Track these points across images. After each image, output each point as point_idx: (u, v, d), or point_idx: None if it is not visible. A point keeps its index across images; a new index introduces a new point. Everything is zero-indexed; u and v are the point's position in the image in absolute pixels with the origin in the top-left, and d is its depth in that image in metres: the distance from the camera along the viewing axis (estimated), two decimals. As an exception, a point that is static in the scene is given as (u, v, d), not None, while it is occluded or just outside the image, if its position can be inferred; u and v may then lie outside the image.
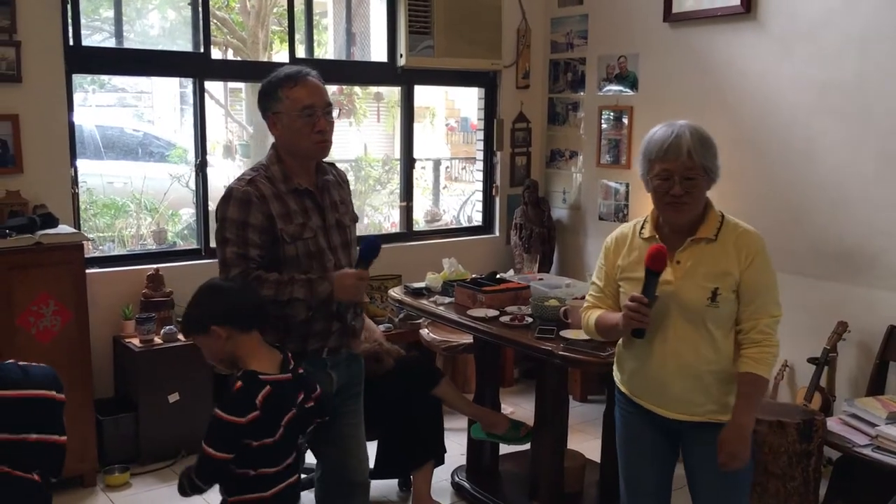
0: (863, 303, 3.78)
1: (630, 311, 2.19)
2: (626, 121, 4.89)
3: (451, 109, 8.64)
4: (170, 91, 7.15)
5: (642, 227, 2.36)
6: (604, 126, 5.04)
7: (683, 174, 2.19)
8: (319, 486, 2.72)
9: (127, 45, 4.84)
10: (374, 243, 2.44)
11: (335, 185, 2.57)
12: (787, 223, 4.08)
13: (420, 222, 5.83)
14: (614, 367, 2.52)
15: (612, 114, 4.98)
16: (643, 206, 4.79)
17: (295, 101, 2.37)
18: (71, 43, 3.95)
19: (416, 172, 5.55)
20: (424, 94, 7.16)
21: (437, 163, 7.52)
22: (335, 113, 2.47)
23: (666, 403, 2.33)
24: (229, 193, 2.39)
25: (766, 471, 3.38)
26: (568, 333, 3.03)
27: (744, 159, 4.24)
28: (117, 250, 4.86)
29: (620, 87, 4.92)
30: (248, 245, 2.33)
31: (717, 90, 4.36)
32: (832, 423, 3.41)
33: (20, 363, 1.95)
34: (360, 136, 7.73)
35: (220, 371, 2.42)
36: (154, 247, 4.75)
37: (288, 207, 2.39)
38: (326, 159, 2.57)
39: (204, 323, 2.24)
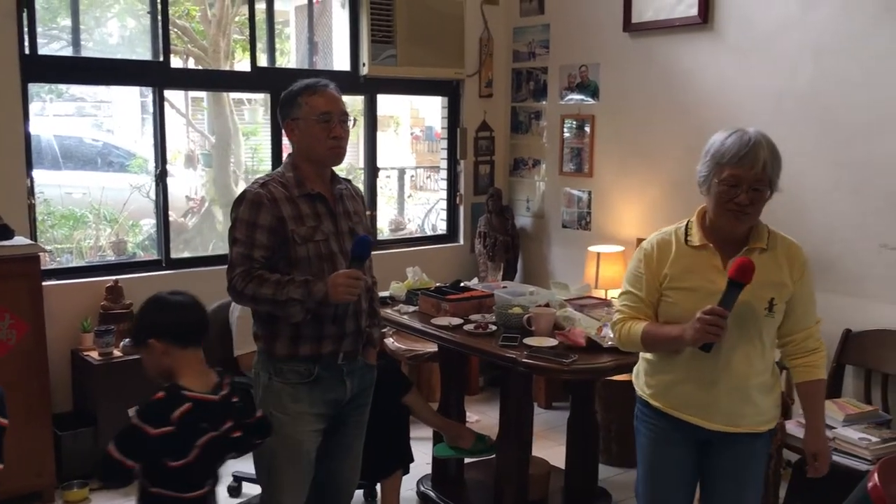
0: (820, 307, 3.82)
1: (707, 325, 2.09)
2: (587, 129, 4.94)
3: (415, 118, 8.64)
4: (130, 100, 7.06)
5: (687, 235, 2.30)
6: (566, 135, 5.08)
7: (752, 184, 2.17)
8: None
9: (85, 53, 4.78)
10: (365, 241, 2.46)
11: (349, 196, 2.64)
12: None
13: (384, 231, 5.82)
14: (639, 380, 2.44)
15: (574, 122, 5.03)
16: (606, 213, 4.83)
17: (313, 108, 2.48)
18: (27, 51, 3.89)
19: (381, 181, 5.55)
20: (389, 103, 7.16)
21: (401, 171, 7.51)
22: (351, 122, 2.55)
23: (711, 416, 2.27)
24: (242, 196, 2.47)
25: (727, 474, 3.42)
26: (531, 341, 3.04)
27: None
28: (75, 262, 4.79)
29: (582, 96, 4.97)
30: (254, 246, 2.41)
31: (676, 99, 4.42)
32: (791, 426, 3.47)
33: None
34: (323, 145, 7.68)
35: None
36: (113, 258, 4.69)
37: (300, 210, 2.46)
38: (341, 173, 2.67)
39: (143, 335, 2.24)
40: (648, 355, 2.39)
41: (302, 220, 2.46)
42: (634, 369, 2.51)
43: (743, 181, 2.16)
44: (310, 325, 2.45)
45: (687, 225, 2.33)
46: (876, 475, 1.48)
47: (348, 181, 2.71)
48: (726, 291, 2.11)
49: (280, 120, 2.58)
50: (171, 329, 2.22)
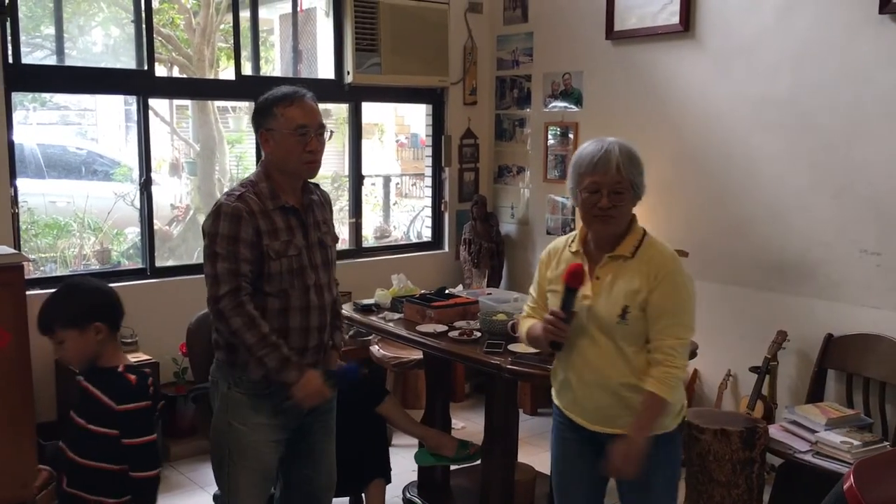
0: (801, 312, 3.89)
1: (547, 325, 2.26)
2: (571, 136, 4.97)
3: (401, 126, 8.65)
4: (114, 109, 7.04)
5: (572, 241, 2.42)
6: (550, 142, 5.11)
7: (611, 188, 2.25)
8: (283, 500, 2.71)
9: (69, 62, 4.76)
10: (354, 372, 2.52)
11: (318, 204, 2.60)
12: (728, 235, 4.18)
13: (370, 238, 5.82)
14: (551, 379, 2.55)
15: (558, 130, 5.06)
16: (589, 220, 4.86)
17: (289, 120, 2.41)
18: (10, 60, 3.88)
19: (367, 189, 5.56)
20: (374, 111, 7.17)
21: (387, 179, 7.52)
22: (327, 135, 2.51)
23: (587, 415, 2.37)
24: (218, 209, 2.40)
25: (710, 479, 3.45)
26: (516, 347, 3.05)
27: (685, 173, 4.34)
28: (59, 271, 4.76)
29: (566, 104, 5.00)
30: (239, 260, 2.35)
31: (658, 106, 4.46)
32: (774, 431, 3.50)
33: None
34: (308, 153, 7.68)
35: (78, 377, 2.40)
36: (98, 267, 4.67)
37: (274, 224, 2.42)
38: (326, 181, 2.62)
39: (86, 318, 2.29)
40: (557, 358, 2.48)
41: (276, 234, 2.41)
42: None
43: (602, 186, 2.25)
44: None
45: (577, 233, 2.44)
46: (851, 477, 1.50)
47: (317, 186, 2.66)
48: (563, 295, 2.27)
49: (254, 128, 2.51)
50: (114, 313, 2.37)
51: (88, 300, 2.34)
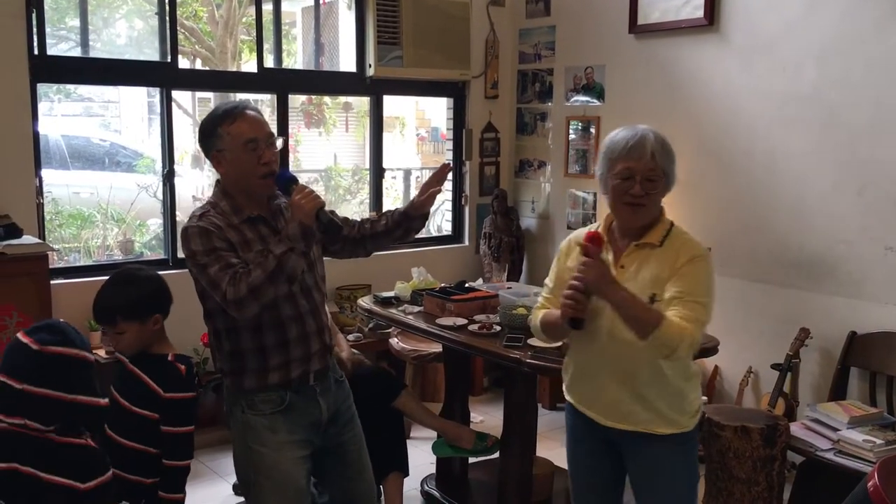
0: (824, 310, 3.85)
1: (566, 299, 2.15)
2: (593, 131, 4.95)
3: (421, 119, 8.66)
4: (138, 101, 7.11)
5: (596, 230, 2.36)
6: (571, 136, 5.09)
7: (645, 174, 2.19)
8: None
9: (93, 54, 4.81)
10: (284, 176, 2.35)
11: (287, 206, 2.45)
12: (750, 232, 4.15)
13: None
14: (563, 374, 2.51)
15: (579, 124, 5.04)
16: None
17: (237, 137, 2.32)
18: (36, 52, 3.92)
19: (387, 182, 5.57)
20: (395, 104, 7.18)
21: (407, 172, 7.54)
22: (279, 142, 2.43)
23: (603, 410, 2.31)
24: (185, 232, 2.31)
25: (730, 476, 3.43)
26: (536, 341, 3.04)
27: (707, 168, 4.31)
28: (83, 261, 4.82)
29: (587, 98, 4.97)
30: (226, 258, 2.26)
31: (681, 101, 4.43)
32: (795, 428, 3.47)
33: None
34: (329, 145, 7.72)
35: (123, 359, 2.45)
36: (121, 257, 4.71)
37: (245, 236, 2.34)
38: (291, 168, 2.57)
39: (148, 310, 2.38)
40: (570, 353, 2.45)
41: (248, 245, 2.32)
42: None
43: (635, 172, 2.19)
44: (276, 352, 2.36)
45: (599, 223, 2.40)
46: (875, 475, 1.49)
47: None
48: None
49: (204, 153, 2.42)
50: (168, 302, 2.45)
51: (148, 291, 2.41)
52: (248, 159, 2.33)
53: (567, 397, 2.46)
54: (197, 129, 2.48)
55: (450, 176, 5.52)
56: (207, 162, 2.48)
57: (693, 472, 2.38)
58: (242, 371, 2.37)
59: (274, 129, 4.66)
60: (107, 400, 2.03)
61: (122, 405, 2.35)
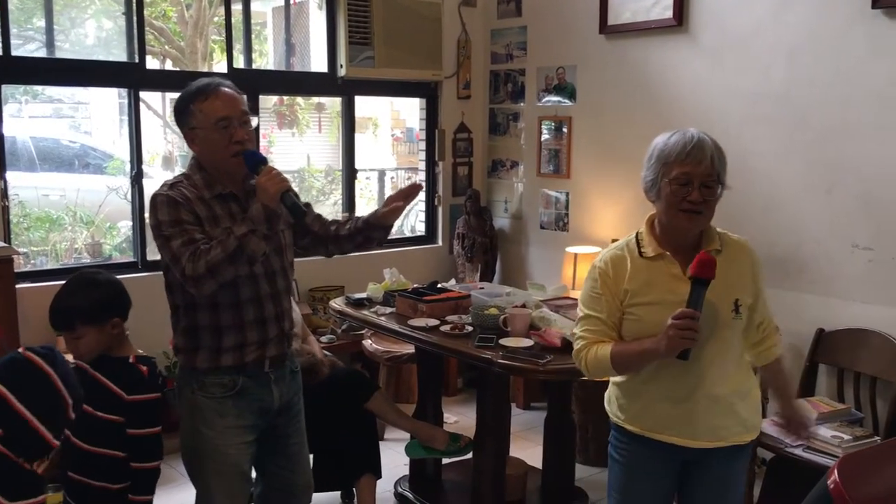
0: (793, 307, 3.88)
1: (679, 330, 1.99)
2: (565, 131, 4.96)
3: (396, 119, 8.63)
4: (109, 102, 7.02)
5: (640, 248, 2.22)
6: (544, 136, 5.10)
7: (703, 180, 2.10)
8: (261, 502, 2.69)
9: (60, 54, 4.75)
10: (251, 155, 2.33)
11: None
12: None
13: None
14: (612, 406, 2.34)
15: (552, 124, 5.05)
16: (583, 214, 4.86)
17: (208, 115, 2.31)
18: (0, 53, 3.86)
19: (361, 183, 5.54)
20: (369, 104, 7.15)
21: (381, 173, 7.51)
22: (254, 121, 2.41)
23: (692, 432, 2.18)
24: (154, 200, 2.32)
25: (702, 473, 3.45)
26: (508, 342, 3.05)
27: (679, 168, 4.33)
28: (51, 264, 4.75)
29: (559, 98, 4.99)
30: (190, 233, 2.25)
31: (652, 101, 4.46)
32: (765, 425, 3.49)
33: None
34: (302, 146, 7.68)
35: (83, 365, 2.40)
36: (89, 260, 4.65)
37: (214, 211, 2.34)
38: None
39: (105, 313, 2.33)
40: (619, 378, 2.27)
41: (216, 221, 2.32)
42: (606, 395, 2.38)
43: (694, 178, 2.09)
44: (231, 333, 2.35)
45: (637, 236, 2.25)
46: (836, 472, 1.50)
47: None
48: (692, 292, 2.04)
49: (179, 130, 2.41)
50: (127, 305, 2.42)
51: (106, 295, 2.36)
52: (219, 137, 2.31)
53: (629, 428, 2.26)
54: (167, 125, 2.46)
55: (423, 176, 5.52)
56: (178, 163, 2.48)
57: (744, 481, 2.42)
58: (196, 349, 2.37)
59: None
60: (52, 440, 1.95)
61: (85, 411, 2.32)
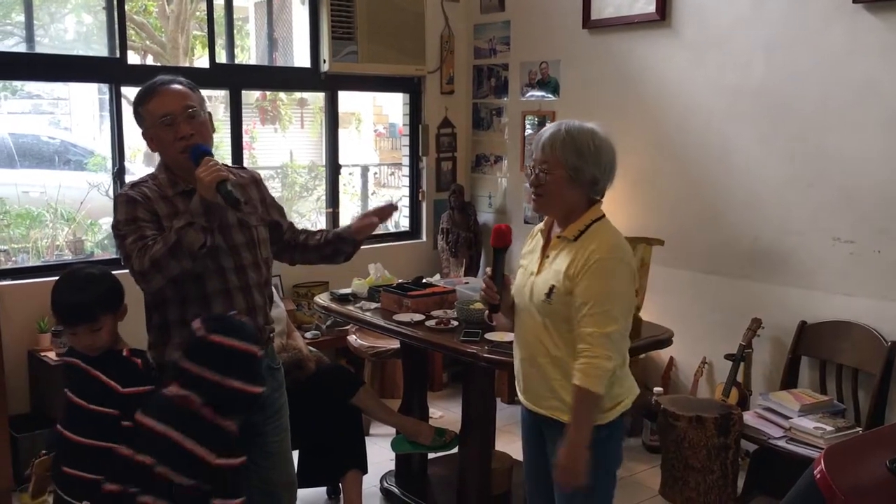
0: (776, 300, 3.92)
1: (482, 287, 2.37)
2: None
3: (379, 115, 8.62)
4: (89, 97, 6.96)
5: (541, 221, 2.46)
6: (528, 131, 5.11)
7: (539, 167, 2.27)
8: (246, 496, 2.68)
9: (40, 49, 4.69)
10: (199, 150, 2.31)
11: (239, 186, 2.43)
12: (703, 224, 4.20)
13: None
14: None
15: (535, 119, 5.06)
16: (567, 209, 4.87)
17: (153, 114, 2.33)
18: (-22, 47, 3.82)
19: (344, 178, 5.52)
20: (352, 100, 7.13)
21: (364, 168, 7.50)
22: (204, 113, 2.39)
23: (522, 389, 2.42)
24: (115, 199, 2.36)
25: (686, 465, 3.48)
26: (493, 336, 3.05)
27: (661, 162, 4.35)
28: (32, 262, 4.70)
29: (543, 93, 4.99)
30: (142, 230, 2.27)
31: (635, 95, 4.47)
32: (749, 417, 3.53)
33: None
34: (285, 142, 7.65)
35: (74, 361, 2.39)
36: (71, 257, 4.62)
37: (176, 208, 2.34)
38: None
39: (119, 301, 2.35)
40: None
41: (178, 217, 2.30)
42: None
43: (535, 164, 2.29)
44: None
45: None
46: (822, 462, 1.51)
47: (243, 168, 2.61)
48: (493, 257, 2.38)
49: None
50: (123, 298, 2.40)
51: (113, 284, 2.37)
52: (164, 135, 2.33)
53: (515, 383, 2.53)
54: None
55: (407, 172, 5.51)
56: (160, 159, 2.45)
57: (604, 467, 2.28)
58: (166, 343, 2.37)
59: (227, 125, 4.69)
60: (262, 388, 2.19)
61: (79, 405, 2.31)
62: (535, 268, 2.34)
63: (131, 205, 2.30)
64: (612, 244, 2.24)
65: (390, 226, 5.84)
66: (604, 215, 2.32)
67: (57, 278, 2.39)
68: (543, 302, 2.26)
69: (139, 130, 2.41)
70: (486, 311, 2.53)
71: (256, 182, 2.61)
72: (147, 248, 2.22)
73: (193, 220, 2.21)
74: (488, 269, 2.38)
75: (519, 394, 2.44)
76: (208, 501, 2.10)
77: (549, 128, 2.31)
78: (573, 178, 2.25)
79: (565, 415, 2.23)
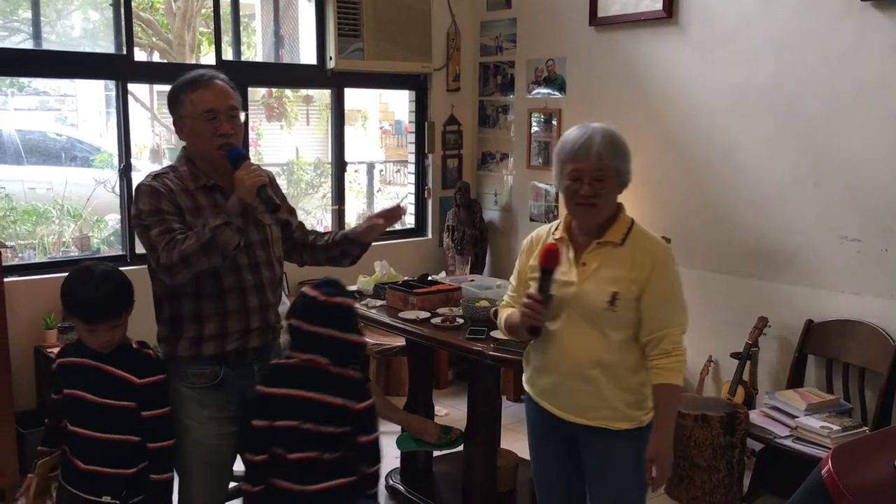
0: (782, 299, 3.91)
1: (525, 308, 2.23)
2: (555, 123, 4.96)
3: (385, 112, 8.62)
4: (95, 94, 6.98)
5: (556, 229, 2.38)
6: (534, 128, 5.10)
7: (592, 175, 2.20)
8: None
9: (47, 46, 4.70)
10: (235, 151, 2.34)
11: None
12: (710, 223, 4.19)
13: (353, 225, 5.79)
14: (524, 365, 2.53)
15: (541, 116, 5.05)
16: (573, 207, 4.86)
17: (197, 105, 2.34)
18: (-14, 44, 3.83)
19: (350, 175, 5.52)
20: (358, 97, 7.13)
21: (370, 166, 7.49)
22: (242, 116, 2.43)
23: (560, 404, 2.34)
24: (137, 189, 2.35)
25: (692, 463, 3.47)
26: (499, 334, 3.04)
27: (667, 160, 4.34)
28: (38, 258, 4.72)
29: (549, 90, 4.99)
30: (168, 223, 2.27)
31: (641, 93, 4.46)
32: (755, 416, 3.52)
33: None
34: (291, 139, 7.65)
35: (83, 360, 2.39)
36: (77, 253, 4.63)
37: (197, 202, 2.35)
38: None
39: (133, 297, 2.38)
40: (531, 344, 2.46)
41: (200, 212, 2.33)
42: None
43: (583, 173, 2.21)
44: (212, 322, 2.36)
45: (561, 220, 2.41)
46: (830, 461, 1.51)
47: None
48: (540, 277, 2.24)
49: (172, 116, 2.45)
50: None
51: (125, 280, 2.38)
52: (204, 129, 2.34)
53: (526, 388, 2.48)
54: (154, 118, 2.46)
55: (412, 169, 5.51)
56: (166, 156, 2.47)
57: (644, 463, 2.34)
58: (178, 337, 2.38)
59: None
60: (365, 338, 2.44)
61: (95, 402, 2.31)
62: (574, 277, 2.27)
63: (155, 196, 2.30)
64: (664, 245, 2.32)
65: (397, 224, 5.85)
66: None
67: (66, 275, 2.38)
68: (605, 310, 2.22)
69: (171, 113, 2.41)
70: (523, 330, 2.30)
71: (271, 181, 2.61)
72: (176, 242, 2.22)
73: (231, 221, 2.23)
74: (531, 291, 2.25)
75: (546, 404, 2.38)
76: (354, 440, 2.31)
77: (587, 133, 2.23)
78: (620, 183, 2.27)
79: (617, 422, 2.27)
